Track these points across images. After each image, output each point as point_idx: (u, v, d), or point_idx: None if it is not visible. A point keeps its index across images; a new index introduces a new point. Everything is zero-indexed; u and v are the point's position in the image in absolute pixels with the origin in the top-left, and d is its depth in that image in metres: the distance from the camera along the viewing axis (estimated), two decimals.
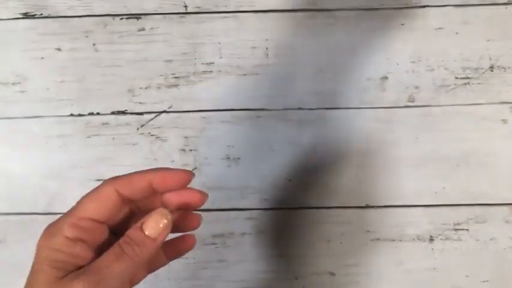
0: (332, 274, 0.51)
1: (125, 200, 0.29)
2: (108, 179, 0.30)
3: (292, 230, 0.52)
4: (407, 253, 0.51)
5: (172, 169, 0.30)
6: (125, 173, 0.30)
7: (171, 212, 0.29)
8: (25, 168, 0.52)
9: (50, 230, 0.29)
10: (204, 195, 0.31)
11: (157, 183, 0.30)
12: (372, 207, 0.52)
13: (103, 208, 0.29)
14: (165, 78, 0.52)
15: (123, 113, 0.52)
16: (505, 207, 0.51)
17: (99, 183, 0.52)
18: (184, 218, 0.31)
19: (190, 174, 0.30)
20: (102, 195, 0.29)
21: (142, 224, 0.28)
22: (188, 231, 0.32)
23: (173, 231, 0.30)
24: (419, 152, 0.52)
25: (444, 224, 0.51)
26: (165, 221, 0.28)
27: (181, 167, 0.52)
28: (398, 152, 0.52)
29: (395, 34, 0.52)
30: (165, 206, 0.30)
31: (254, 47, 0.52)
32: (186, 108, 0.52)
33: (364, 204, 0.52)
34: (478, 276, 0.51)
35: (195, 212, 0.32)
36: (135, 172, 0.30)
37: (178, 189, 0.30)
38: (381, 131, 0.52)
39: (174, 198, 0.30)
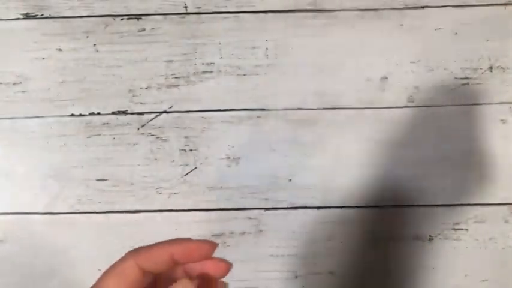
0: (332, 273, 0.51)
1: (147, 273, 0.29)
2: (129, 252, 0.29)
3: (292, 230, 0.52)
4: (407, 253, 0.51)
5: (195, 241, 0.30)
6: (146, 245, 0.30)
7: (194, 282, 0.28)
8: (25, 168, 0.52)
9: None
10: (228, 265, 0.30)
11: (180, 257, 0.29)
12: (372, 207, 0.52)
13: (124, 284, 0.28)
14: (166, 79, 0.52)
15: (124, 113, 0.52)
16: (505, 207, 0.51)
17: (100, 183, 0.53)
18: (209, 285, 0.30)
19: (214, 246, 0.30)
20: (123, 270, 0.28)
21: None
22: None
23: None
24: (419, 152, 0.52)
25: (444, 223, 0.51)
26: None
27: (181, 167, 0.52)
28: (398, 152, 0.52)
29: (395, 34, 0.52)
30: (187, 275, 0.30)
31: (254, 47, 0.52)
32: (187, 108, 0.52)
33: (364, 204, 0.52)
34: (478, 276, 0.51)
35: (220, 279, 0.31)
36: (156, 244, 0.29)
37: (202, 260, 0.30)
38: (381, 131, 0.52)
39: (198, 267, 0.30)
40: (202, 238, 0.30)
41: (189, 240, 0.30)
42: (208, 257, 0.30)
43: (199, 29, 0.52)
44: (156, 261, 0.29)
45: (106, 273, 0.29)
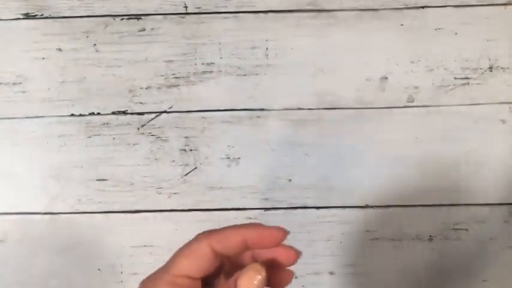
0: (332, 274, 0.52)
1: (218, 255, 0.29)
2: (202, 234, 0.29)
3: (292, 230, 0.52)
4: (406, 253, 0.51)
5: (268, 227, 0.30)
6: (219, 228, 0.30)
7: (264, 267, 0.28)
8: (26, 168, 0.52)
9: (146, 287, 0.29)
10: (298, 253, 0.30)
11: (253, 242, 0.29)
12: (372, 207, 0.52)
13: (198, 265, 0.28)
14: (166, 79, 0.52)
15: (124, 113, 0.52)
16: (505, 207, 0.51)
17: (100, 183, 0.53)
18: (275, 272, 0.30)
19: (286, 233, 0.29)
20: (196, 251, 0.29)
21: (236, 280, 0.28)
22: (277, 286, 0.31)
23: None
24: (419, 152, 0.52)
25: (443, 223, 0.51)
26: (259, 277, 0.28)
27: (181, 167, 0.52)
28: (398, 152, 0.52)
29: (395, 34, 0.52)
30: (256, 260, 0.30)
31: (254, 47, 0.52)
32: (187, 108, 0.52)
33: (364, 204, 0.52)
34: (478, 276, 0.51)
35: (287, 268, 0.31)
36: (229, 228, 0.29)
37: (272, 247, 0.30)
38: (381, 131, 0.52)
39: (266, 253, 0.30)
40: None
41: (260, 225, 0.30)
42: (279, 244, 0.29)
43: (199, 29, 0.52)
44: (228, 244, 0.29)
45: (180, 253, 0.29)
